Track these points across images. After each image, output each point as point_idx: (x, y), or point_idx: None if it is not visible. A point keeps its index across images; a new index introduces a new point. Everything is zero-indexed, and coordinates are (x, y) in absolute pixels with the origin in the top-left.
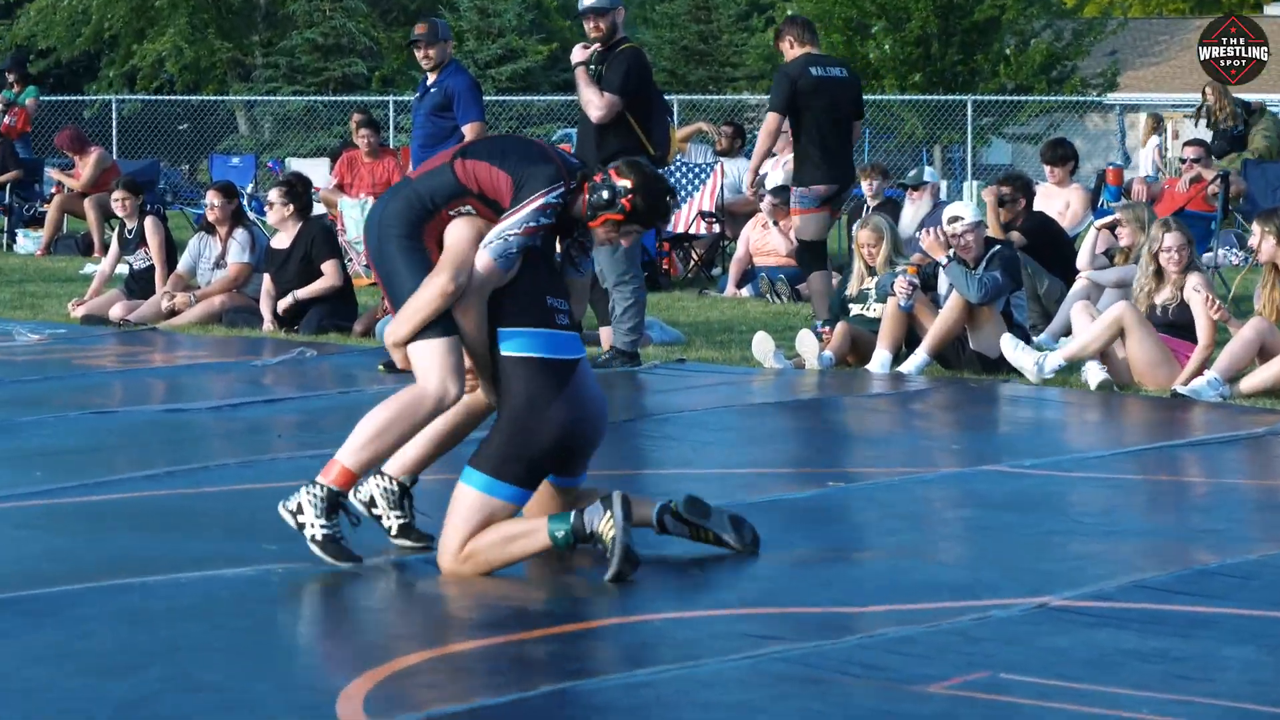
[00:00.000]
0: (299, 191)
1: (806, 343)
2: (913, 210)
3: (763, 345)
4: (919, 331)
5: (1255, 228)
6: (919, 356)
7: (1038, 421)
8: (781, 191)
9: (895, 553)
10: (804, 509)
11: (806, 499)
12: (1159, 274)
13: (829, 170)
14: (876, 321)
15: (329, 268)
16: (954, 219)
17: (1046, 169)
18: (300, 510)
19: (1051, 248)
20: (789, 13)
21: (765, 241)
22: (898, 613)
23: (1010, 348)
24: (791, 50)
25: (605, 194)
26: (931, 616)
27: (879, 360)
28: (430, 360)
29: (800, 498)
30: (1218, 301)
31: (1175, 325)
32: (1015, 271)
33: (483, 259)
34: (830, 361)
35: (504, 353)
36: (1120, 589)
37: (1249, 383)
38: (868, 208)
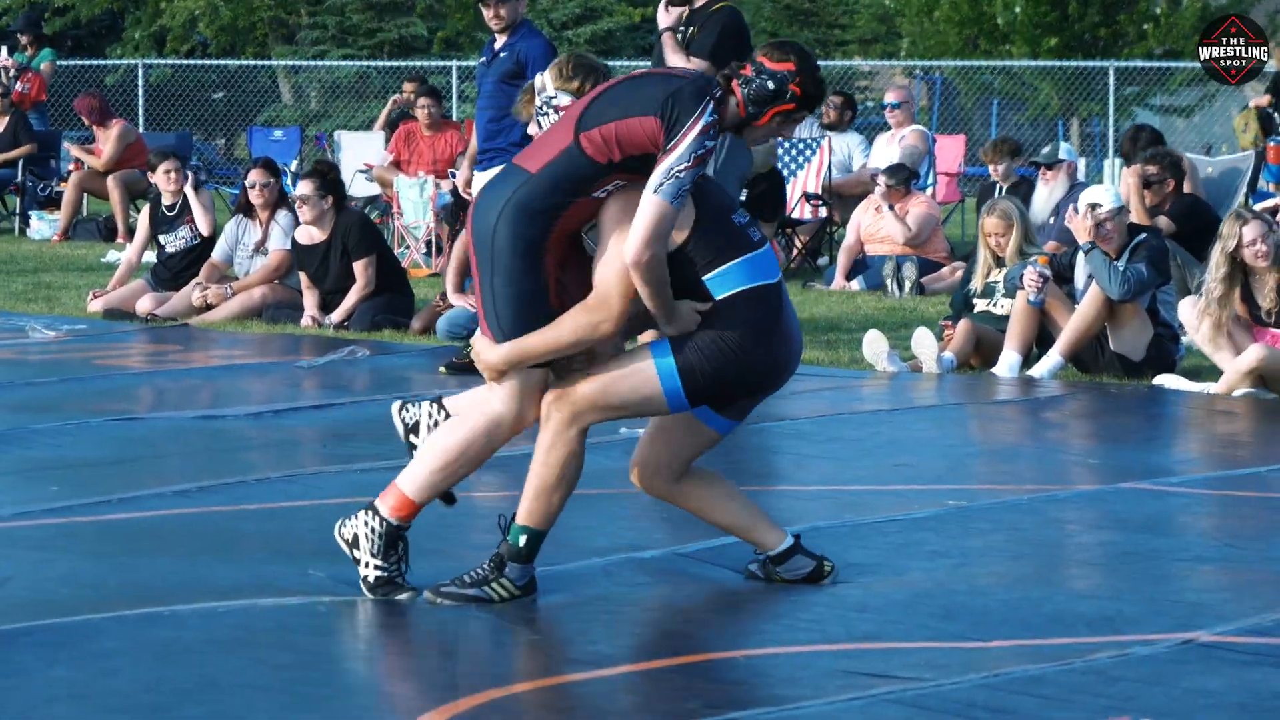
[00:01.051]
0: (333, 180)
1: (925, 343)
2: (1046, 192)
3: (875, 345)
4: (1052, 331)
5: None
6: (1052, 358)
7: (1187, 433)
8: (898, 170)
9: (1024, 581)
10: (920, 530)
11: (923, 519)
12: (1231, 278)
13: None
14: (1004, 319)
15: (360, 268)
16: (1093, 205)
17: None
18: (356, 544)
19: (1205, 235)
20: None
21: (878, 227)
22: (1026, 649)
23: (1170, 383)
24: None
25: (770, 84)
26: (1064, 653)
27: (1007, 363)
28: (516, 380)
29: (916, 518)
30: None
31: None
32: (1163, 263)
33: (656, 205)
34: (952, 364)
35: (719, 296)
36: (1278, 623)
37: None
38: (999, 190)
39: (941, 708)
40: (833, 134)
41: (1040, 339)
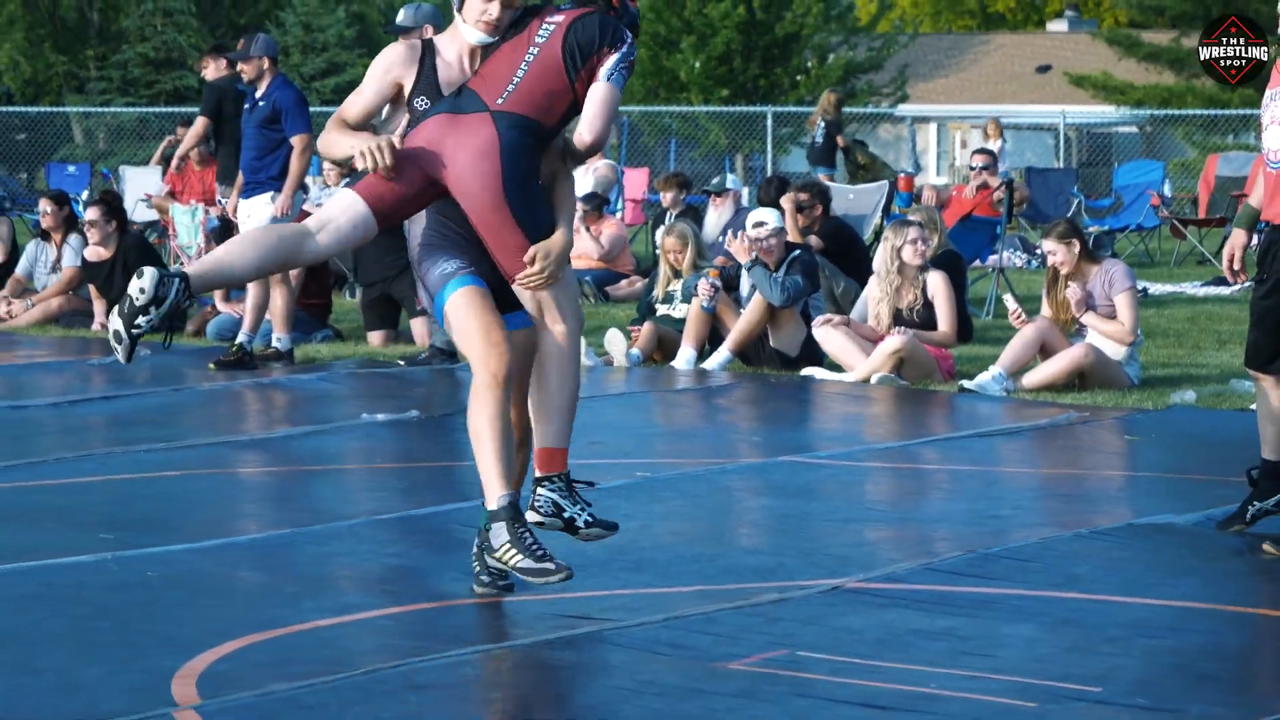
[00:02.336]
0: (116, 208)
1: (615, 341)
2: (716, 216)
3: None
4: (721, 331)
5: (1051, 244)
6: (722, 354)
7: (834, 415)
8: (592, 198)
9: (700, 539)
10: (614, 498)
11: (616, 488)
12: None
13: None
14: (682, 321)
15: None
16: (758, 224)
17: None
18: (558, 510)
19: (847, 251)
20: None
21: (575, 246)
22: (702, 594)
23: (819, 374)
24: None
25: None
26: (734, 598)
27: (684, 357)
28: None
29: (610, 487)
30: (1019, 312)
31: (926, 325)
32: (814, 274)
33: (613, 90)
34: (638, 359)
35: None
36: (910, 571)
37: (1031, 378)
38: (669, 215)
39: (631, 643)
40: None
41: (711, 337)
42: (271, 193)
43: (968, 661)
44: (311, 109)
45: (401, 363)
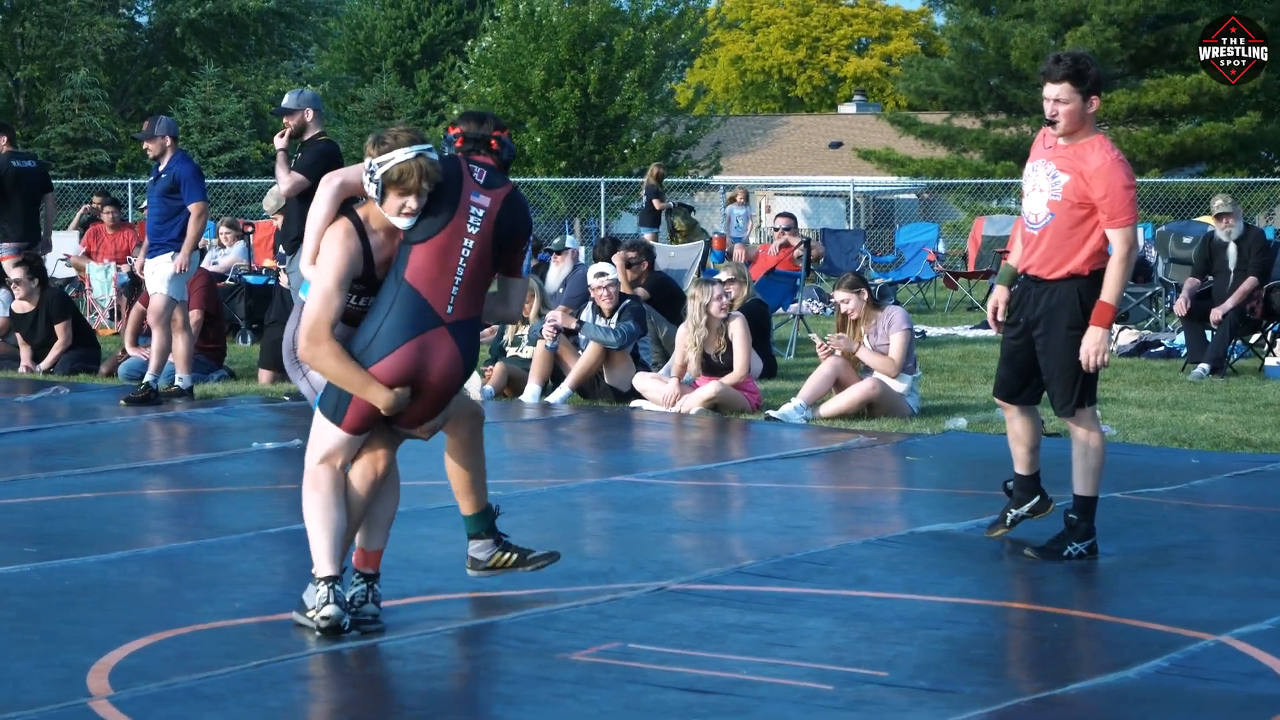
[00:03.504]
0: (39, 267)
1: (471, 380)
2: (557, 270)
3: None
4: (563, 369)
5: (842, 293)
6: (563, 389)
7: (658, 441)
8: None
9: (545, 546)
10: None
11: None
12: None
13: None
14: (528, 361)
15: (60, 329)
16: (600, 274)
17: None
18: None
19: (669, 301)
20: (456, 112)
21: None
22: (547, 595)
23: (646, 406)
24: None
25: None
26: (574, 598)
27: (530, 392)
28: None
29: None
30: (825, 344)
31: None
32: (642, 320)
33: (526, 282)
34: (491, 394)
35: None
36: (724, 574)
37: (827, 408)
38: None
39: (487, 638)
40: None
41: (554, 375)
42: (172, 253)
43: (774, 651)
44: (207, 180)
45: (287, 398)
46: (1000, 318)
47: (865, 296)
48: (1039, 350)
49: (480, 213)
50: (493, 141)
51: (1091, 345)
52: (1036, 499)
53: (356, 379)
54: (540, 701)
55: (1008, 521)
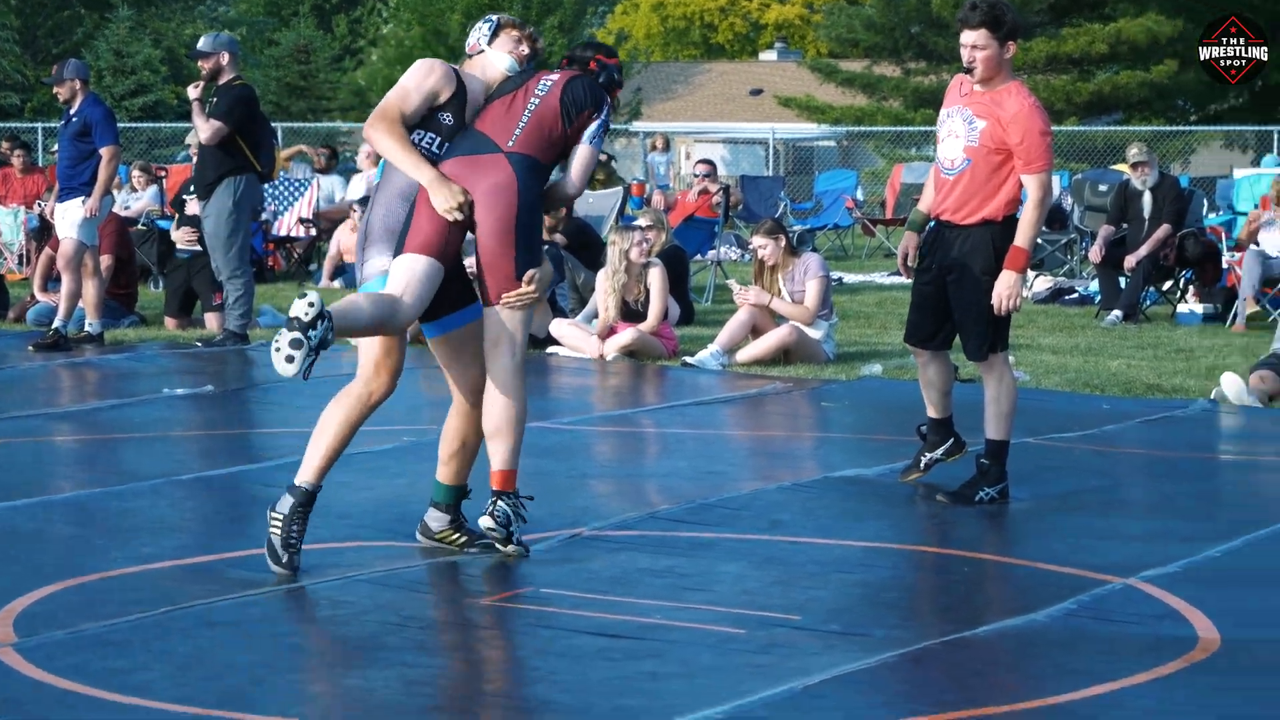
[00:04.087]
0: None
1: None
2: None
3: None
4: None
5: (759, 239)
6: None
7: (574, 387)
8: (365, 202)
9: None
10: (384, 459)
11: (386, 451)
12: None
13: None
14: None
15: None
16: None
17: None
18: (508, 522)
19: (587, 247)
20: (375, 57)
21: (354, 241)
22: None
23: (563, 352)
24: None
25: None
26: (489, 544)
27: None
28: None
29: (381, 450)
30: (749, 291)
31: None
32: (560, 267)
33: (593, 151)
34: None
35: None
36: (638, 520)
37: (744, 355)
38: None
39: (399, 585)
40: (321, 176)
41: None
42: (83, 197)
43: (688, 596)
44: (120, 124)
45: (199, 344)
46: (910, 263)
47: (783, 243)
48: (952, 295)
49: (549, 82)
50: (591, 63)
51: (1004, 289)
52: (950, 442)
53: (411, 158)
54: (453, 647)
55: (921, 465)
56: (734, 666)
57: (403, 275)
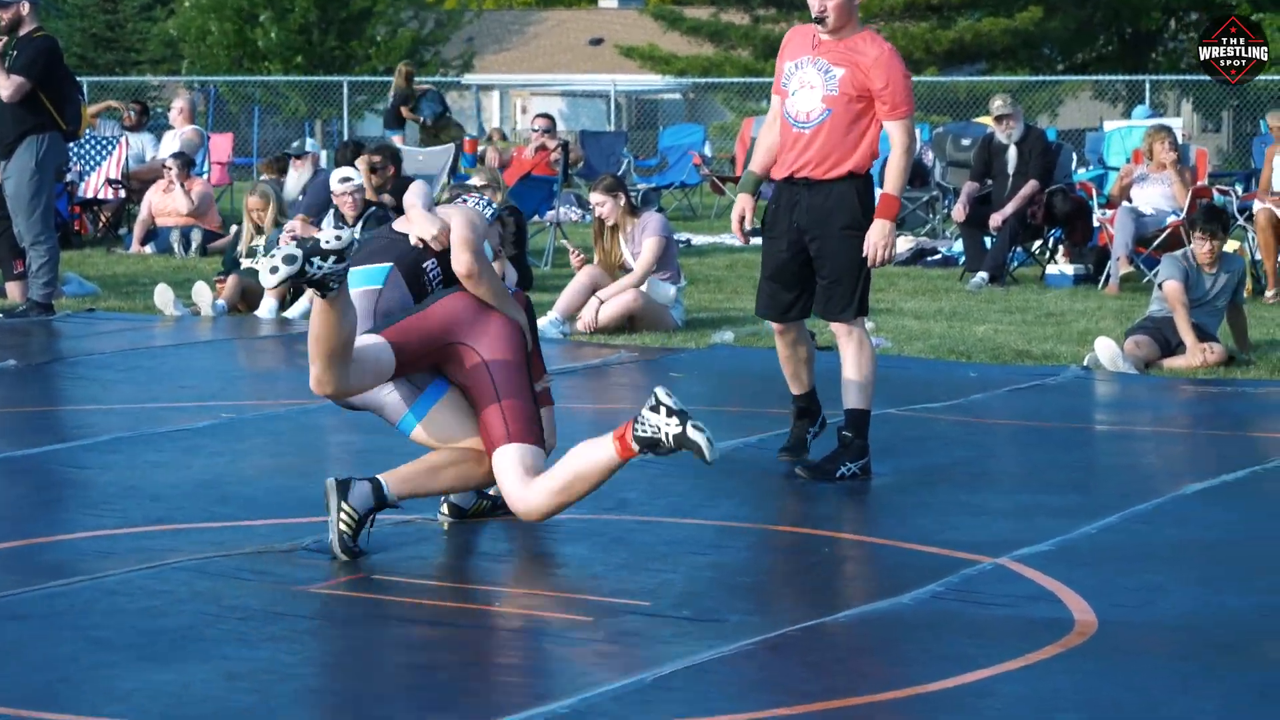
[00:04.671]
0: None
1: (202, 293)
2: (296, 176)
3: (164, 295)
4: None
5: (598, 196)
6: (303, 303)
7: None
8: (179, 158)
9: (282, 473)
10: (202, 437)
11: (203, 428)
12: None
13: None
14: None
15: None
16: (344, 179)
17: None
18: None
19: None
20: (187, 3)
21: (166, 203)
22: (285, 526)
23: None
24: None
25: None
26: (316, 530)
27: (267, 307)
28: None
29: (198, 428)
30: (579, 252)
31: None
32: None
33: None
34: (224, 309)
35: None
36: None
37: (585, 321)
38: (257, 174)
39: (219, 571)
40: (130, 134)
41: (294, 289)
42: None
43: (530, 581)
44: None
45: (0, 315)
46: (747, 227)
47: (622, 201)
48: (814, 255)
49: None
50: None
51: (878, 238)
52: (820, 415)
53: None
54: (277, 638)
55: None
56: (579, 656)
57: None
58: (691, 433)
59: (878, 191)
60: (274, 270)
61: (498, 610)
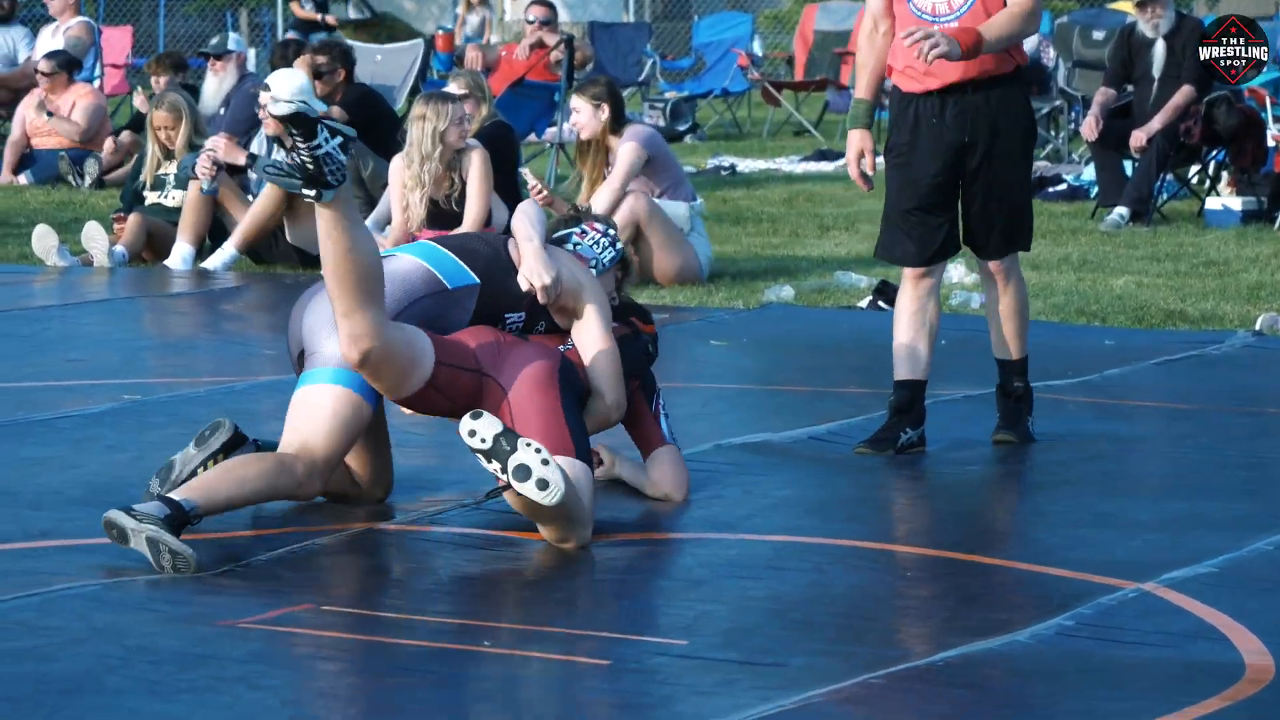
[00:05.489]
0: None
1: (95, 237)
2: (216, 83)
3: (44, 240)
4: (226, 223)
5: (576, 101)
6: (227, 251)
7: None
8: (56, 56)
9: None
10: (97, 426)
11: (99, 414)
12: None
13: None
14: (176, 211)
15: None
16: (264, 88)
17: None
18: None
19: (376, 125)
20: None
21: (43, 121)
22: (207, 542)
23: None
24: None
25: None
26: (250, 547)
27: (180, 255)
28: None
29: (92, 413)
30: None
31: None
32: None
33: None
34: (123, 257)
35: None
36: (448, 511)
37: None
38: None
39: (121, 602)
40: None
41: (215, 231)
42: None
43: (530, 613)
44: None
45: None
46: (869, 170)
47: (605, 114)
48: (981, 179)
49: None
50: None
51: (928, 41)
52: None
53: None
54: (198, 689)
55: (899, 445)
56: (591, 712)
57: None
58: (519, 487)
59: None
60: (281, 102)
61: (485, 651)
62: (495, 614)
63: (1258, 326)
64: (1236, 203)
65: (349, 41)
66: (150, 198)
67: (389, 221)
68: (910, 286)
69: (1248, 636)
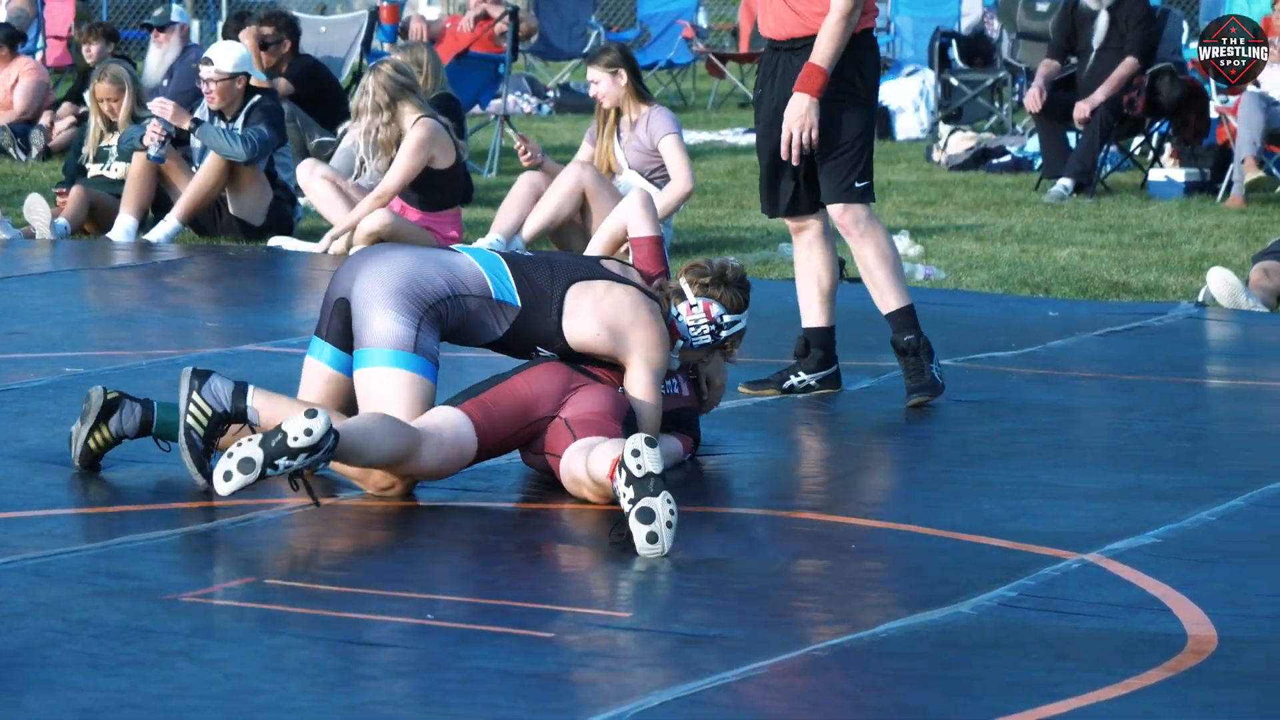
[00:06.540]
0: None
1: (37, 209)
2: (159, 54)
3: None
4: (170, 195)
5: (594, 71)
6: (170, 223)
7: (308, 294)
8: (3, 29)
9: (146, 446)
10: (39, 399)
11: (41, 387)
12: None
13: None
14: (119, 184)
15: None
16: (205, 61)
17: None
18: None
19: (321, 96)
20: None
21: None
22: (151, 513)
23: (288, 244)
24: None
25: None
26: (191, 518)
27: (123, 227)
28: None
29: (35, 386)
30: (526, 149)
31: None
32: (280, 124)
33: None
34: (65, 230)
35: None
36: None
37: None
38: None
39: (63, 575)
40: None
41: (158, 203)
42: None
43: (473, 587)
44: None
45: None
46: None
47: (624, 80)
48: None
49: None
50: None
51: (792, 116)
52: (832, 369)
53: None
54: (142, 663)
55: (784, 386)
56: (536, 684)
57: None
58: (634, 523)
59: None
60: (227, 477)
61: (429, 624)
62: (439, 587)
63: (1199, 298)
64: (1180, 174)
65: (294, 12)
66: (93, 170)
67: (351, 172)
68: (794, 239)
69: (1190, 607)
